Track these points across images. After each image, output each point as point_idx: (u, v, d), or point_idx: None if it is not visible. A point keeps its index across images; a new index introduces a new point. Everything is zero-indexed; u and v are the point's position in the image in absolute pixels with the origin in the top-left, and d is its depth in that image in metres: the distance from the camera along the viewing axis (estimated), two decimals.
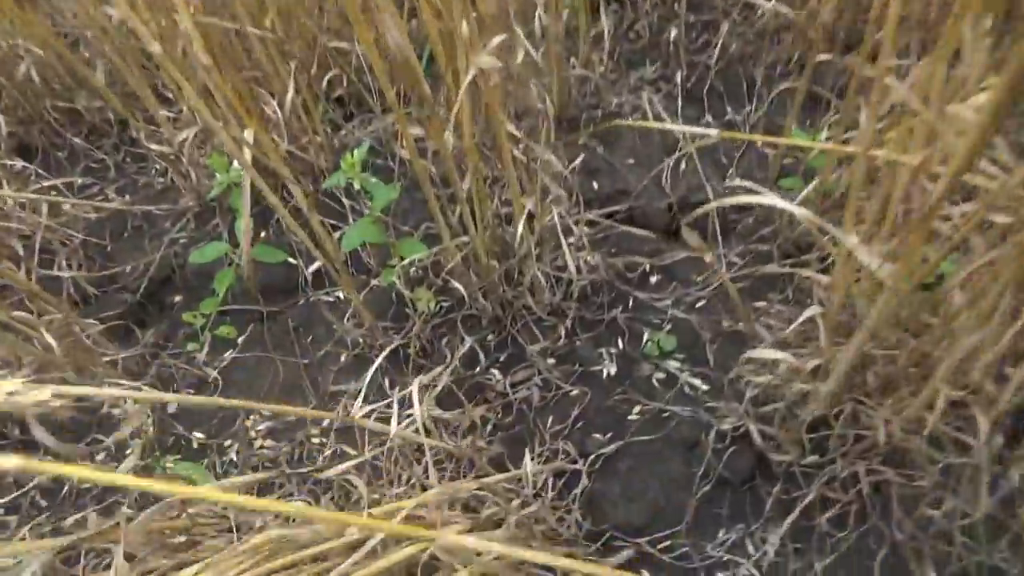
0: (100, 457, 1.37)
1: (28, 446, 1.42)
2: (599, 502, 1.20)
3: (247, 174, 1.07)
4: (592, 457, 1.24)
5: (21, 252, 1.51)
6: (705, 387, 1.33)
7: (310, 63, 1.64)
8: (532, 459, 1.13)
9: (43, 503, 1.34)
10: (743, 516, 1.18)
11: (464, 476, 1.17)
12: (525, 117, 1.40)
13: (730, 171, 1.70)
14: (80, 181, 1.85)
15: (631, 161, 1.75)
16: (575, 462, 1.23)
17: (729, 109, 1.79)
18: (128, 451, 1.15)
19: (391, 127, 1.67)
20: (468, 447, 1.09)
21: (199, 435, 1.39)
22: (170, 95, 1.80)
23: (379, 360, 1.10)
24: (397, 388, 1.37)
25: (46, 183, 1.76)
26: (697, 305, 1.46)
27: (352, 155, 1.10)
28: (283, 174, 1.13)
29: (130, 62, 1.44)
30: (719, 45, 1.82)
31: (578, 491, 1.19)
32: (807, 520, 1.15)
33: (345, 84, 1.73)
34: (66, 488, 1.30)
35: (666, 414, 1.30)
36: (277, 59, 1.42)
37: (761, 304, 1.45)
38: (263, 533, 0.78)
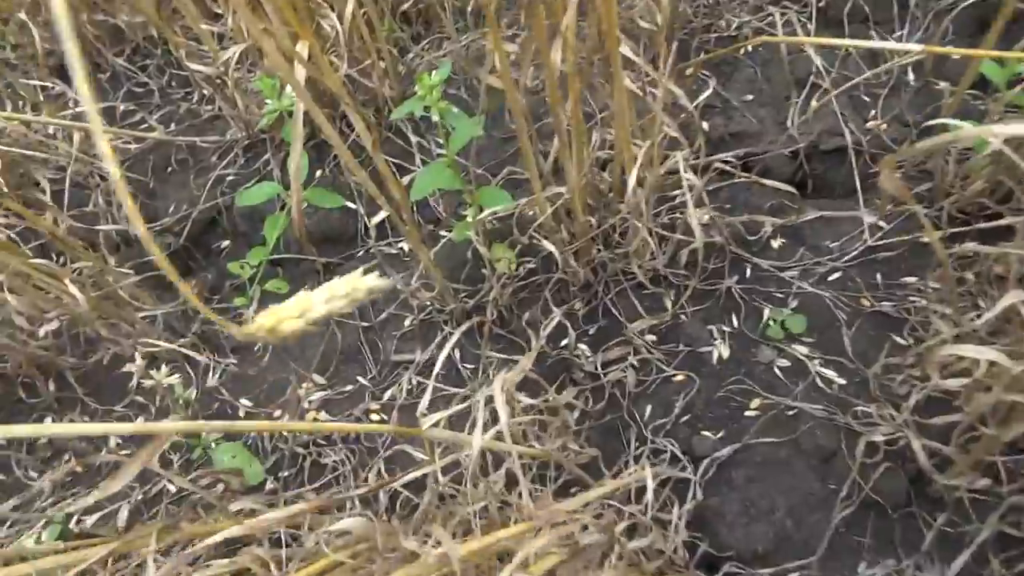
0: (140, 421, 1.24)
1: (63, 403, 1.29)
2: (711, 520, 0.99)
3: (300, 98, 0.85)
4: (704, 462, 1.02)
5: (48, 189, 1.34)
6: (841, 380, 1.09)
7: None
8: (631, 465, 0.92)
9: (78, 470, 1.22)
10: (892, 549, 0.95)
11: (549, 481, 0.98)
12: (627, 40, 1.13)
13: (873, 112, 1.40)
14: (122, 107, 1.67)
15: (749, 97, 1.47)
16: (684, 467, 1.02)
17: (874, 35, 1.47)
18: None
19: (467, 52, 1.41)
20: (558, 451, 0.89)
21: (246, 403, 1.23)
22: (217, 10, 1.59)
23: (457, 335, 0.89)
24: (471, 369, 1.17)
25: (83, 109, 1.58)
26: (831, 278, 1.20)
27: (431, 76, 0.86)
28: (344, 99, 0.91)
29: None
30: None
31: (688, 505, 0.98)
32: (976, 560, 0.92)
33: None
34: (100, 460, 1.17)
35: (792, 412, 1.07)
36: None
37: (909, 280, 1.19)
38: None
